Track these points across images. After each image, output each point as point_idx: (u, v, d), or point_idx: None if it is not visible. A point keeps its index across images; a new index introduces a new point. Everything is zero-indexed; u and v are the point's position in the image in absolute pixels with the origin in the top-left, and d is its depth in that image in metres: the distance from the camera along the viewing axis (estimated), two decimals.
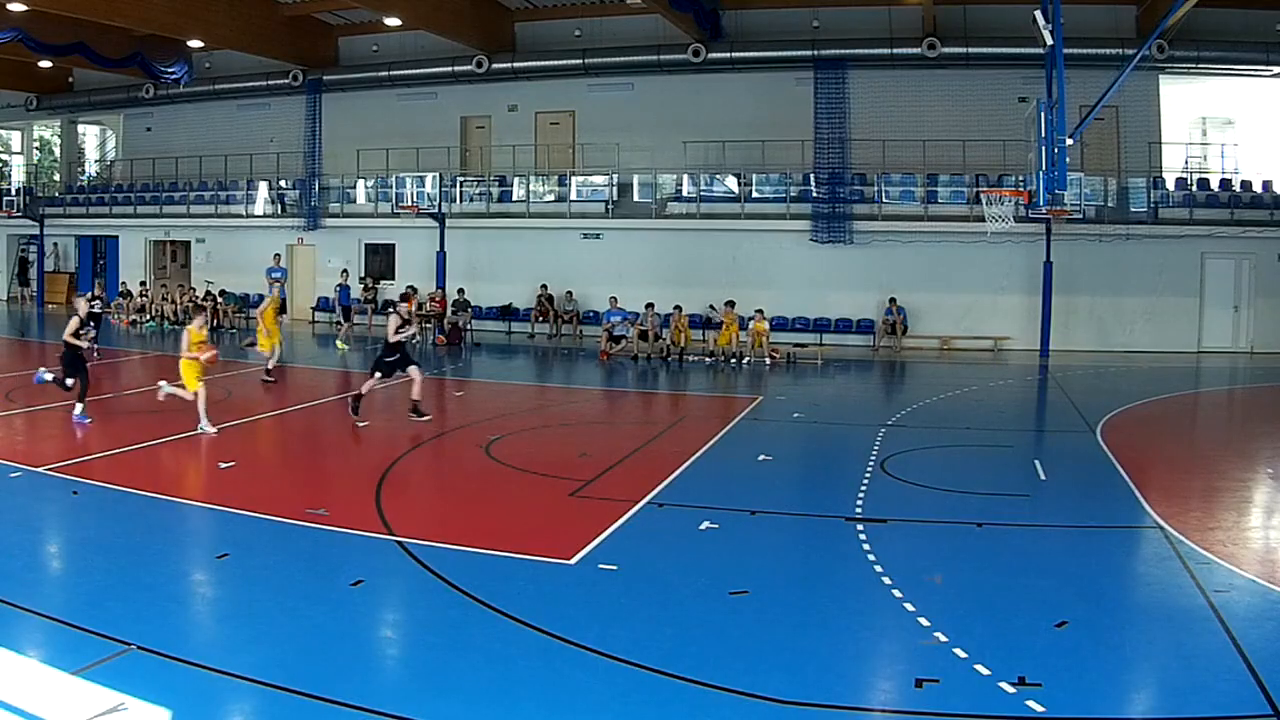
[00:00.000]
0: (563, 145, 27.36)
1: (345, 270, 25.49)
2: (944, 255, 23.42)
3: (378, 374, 13.33)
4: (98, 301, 20.69)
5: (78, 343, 12.74)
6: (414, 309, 24.72)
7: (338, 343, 22.33)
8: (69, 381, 12.69)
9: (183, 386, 12.22)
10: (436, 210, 25.76)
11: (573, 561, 7.49)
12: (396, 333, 13.30)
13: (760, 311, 21.22)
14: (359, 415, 12.98)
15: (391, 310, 14.23)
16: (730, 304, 21.24)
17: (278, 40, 27.06)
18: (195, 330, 12.43)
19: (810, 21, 24.52)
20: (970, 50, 23.16)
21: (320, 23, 28.31)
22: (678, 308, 21.82)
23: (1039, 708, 5.14)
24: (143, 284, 28.11)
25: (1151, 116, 23.29)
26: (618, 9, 24.95)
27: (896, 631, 6.31)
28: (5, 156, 38.17)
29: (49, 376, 13.15)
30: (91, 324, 20.04)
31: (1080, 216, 21.25)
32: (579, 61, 26.07)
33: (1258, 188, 22.99)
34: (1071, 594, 6.95)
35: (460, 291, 25.28)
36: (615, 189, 25.96)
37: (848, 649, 6.14)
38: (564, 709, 5.21)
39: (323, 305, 28.69)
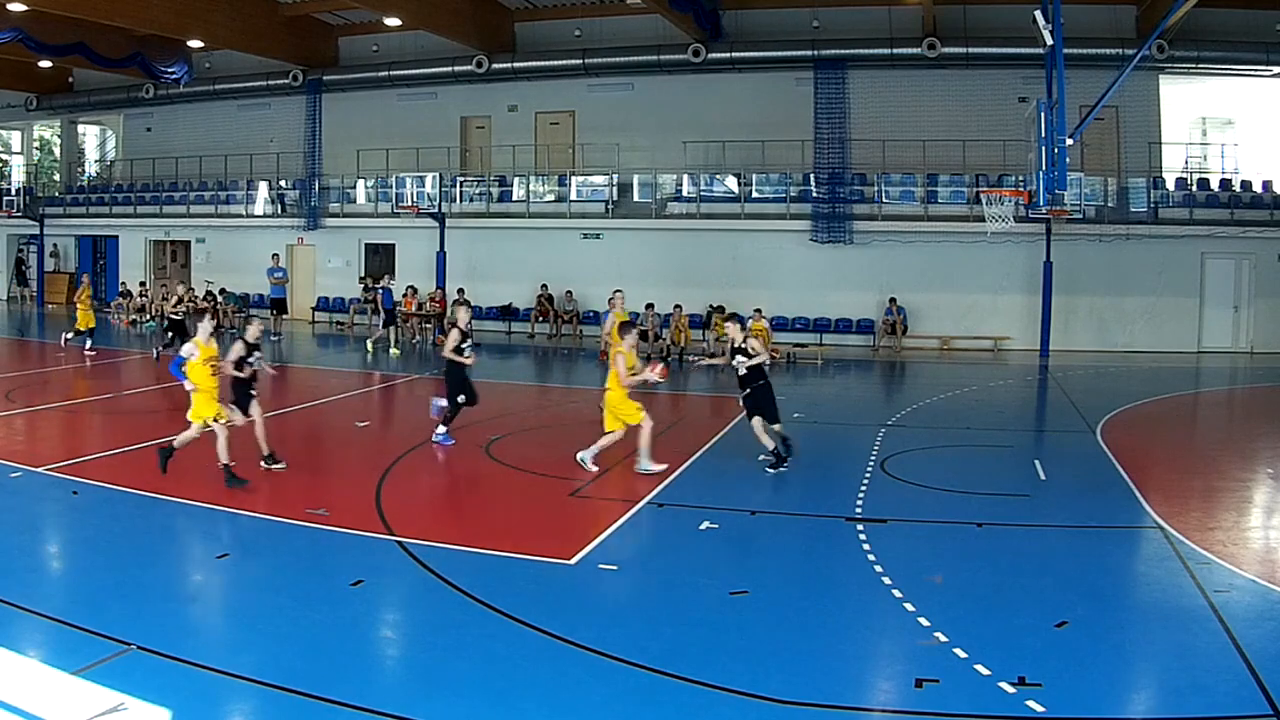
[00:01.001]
0: (563, 145, 27.36)
1: (387, 274, 24.53)
2: (944, 255, 23.43)
3: (757, 418, 10.61)
4: (180, 305, 18.49)
5: (462, 360, 11.63)
6: (413, 308, 24.84)
7: (370, 344, 21.50)
8: (460, 398, 11.66)
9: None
10: (436, 210, 25.77)
11: (573, 561, 7.49)
12: (749, 357, 10.60)
13: (759, 311, 21.18)
14: (784, 465, 10.59)
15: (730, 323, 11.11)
16: (719, 309, 21.13)
17: (278, 40, 27.06)
18: (629, 352, 10.22)
19: (810, 21, 24.51)
20: (970, 50, 23.15)
21: (320, 23, 28.31)
22: (678, 307, 21.83)
23: (1039, 708, 5.14)
24: (142, 284, 28.10)
25: (1151, 116, 23.30)
26: (618, 9, 24.96)
27: (896, 631, 6.31)
28: (5, 156, 38.18)
29: (443, 403, 11.77)
30: (175, 336, 17.44)
31: (1080, 216, 21.27)
32: (579, 61, 26.06)
33: (1258, 188, 23.00)
34: (1071, 594, 6.94)
35: (460, 291, 25.23)
36: (615, 189, 25.96)
37: (848, 649, 6.13)
38: (564, 709, 5.21)
39: (322, 305, 28.72)
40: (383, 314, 22.12)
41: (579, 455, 10.25)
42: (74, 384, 16.35)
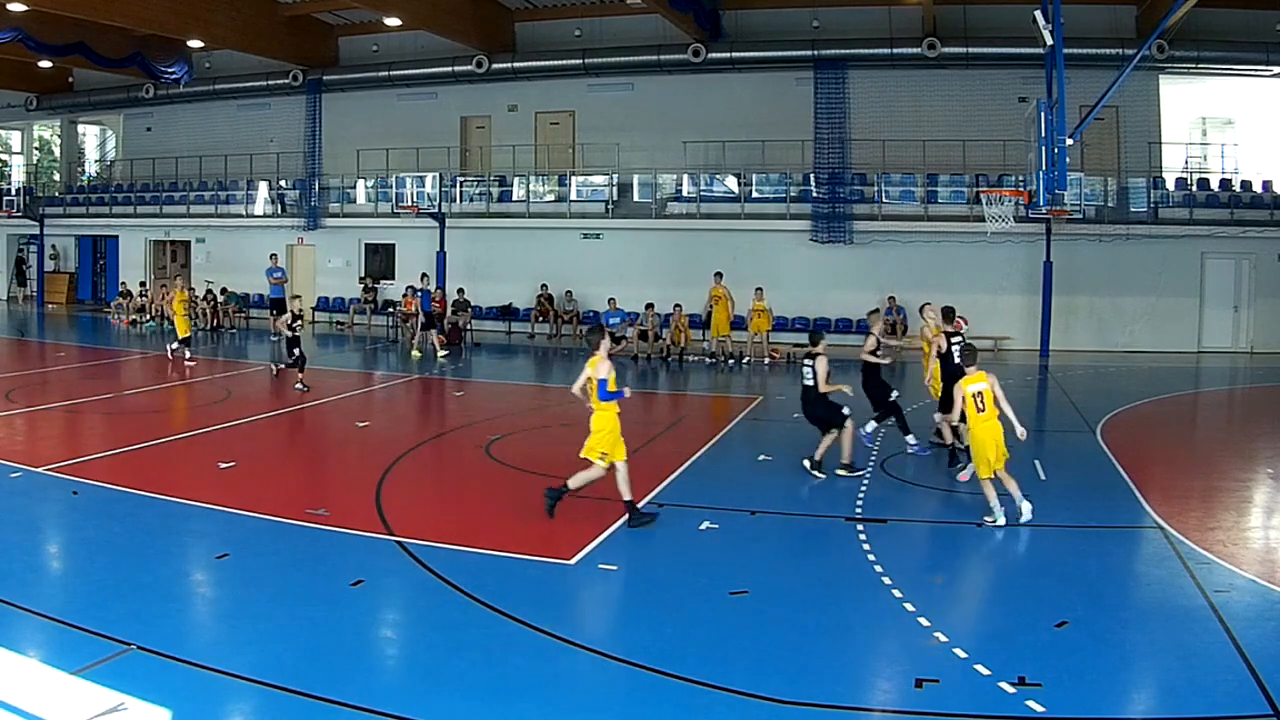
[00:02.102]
0: (563, 145, 27.36)
1: (425, 275, 23.65)
2: (944, 255, 23.41)
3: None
4: (299, 322, 16.40)
5: (877, 360, 11.33)
6: (414, 309, 24.66)
7: (414, 351, 21.13)
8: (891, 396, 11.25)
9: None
10: (436, 210, 25.77)
11: (573, 561, 7.49)
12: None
13: (759, 290, 20.96)
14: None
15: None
16: (719, 275, 20.86)
17: (278, 40, 27.06)
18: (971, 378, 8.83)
19: (810, 21, 24.51)
20: (970, 50, 23.14)
21: (320, 23, 28.31)
22: (677, 307, 21.83)
23: (1039, 708, 5.14)
24: (142, 284, 28.10)
25: (1151, 116, 23.30)
26: (618, 9, 24.95)
27: (896, 631, 6.31)
28: (5, 156, 38.17)
29: (871, 428, 11.31)
30: (300, 354, 15.82)
31: (1080, 216, 21.26)
32: (579, 61, 26.06)
33: (1258, 188, 22.98)
34: (1071, 594, 6.95)
35: (460, 291, 25.27)
36: (615, 189, 25.96)
37: (848, 649, 6.14)
38: (563, 709, 5.22)
39: (322, 305, 28.71)
40: (422, 316, 21.66)
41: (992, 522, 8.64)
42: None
